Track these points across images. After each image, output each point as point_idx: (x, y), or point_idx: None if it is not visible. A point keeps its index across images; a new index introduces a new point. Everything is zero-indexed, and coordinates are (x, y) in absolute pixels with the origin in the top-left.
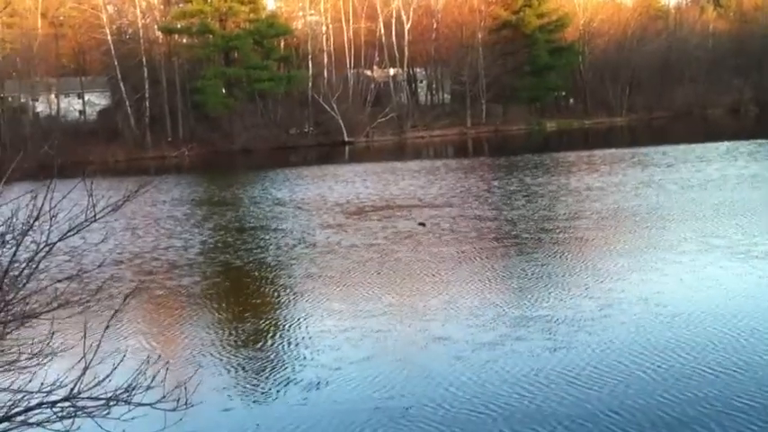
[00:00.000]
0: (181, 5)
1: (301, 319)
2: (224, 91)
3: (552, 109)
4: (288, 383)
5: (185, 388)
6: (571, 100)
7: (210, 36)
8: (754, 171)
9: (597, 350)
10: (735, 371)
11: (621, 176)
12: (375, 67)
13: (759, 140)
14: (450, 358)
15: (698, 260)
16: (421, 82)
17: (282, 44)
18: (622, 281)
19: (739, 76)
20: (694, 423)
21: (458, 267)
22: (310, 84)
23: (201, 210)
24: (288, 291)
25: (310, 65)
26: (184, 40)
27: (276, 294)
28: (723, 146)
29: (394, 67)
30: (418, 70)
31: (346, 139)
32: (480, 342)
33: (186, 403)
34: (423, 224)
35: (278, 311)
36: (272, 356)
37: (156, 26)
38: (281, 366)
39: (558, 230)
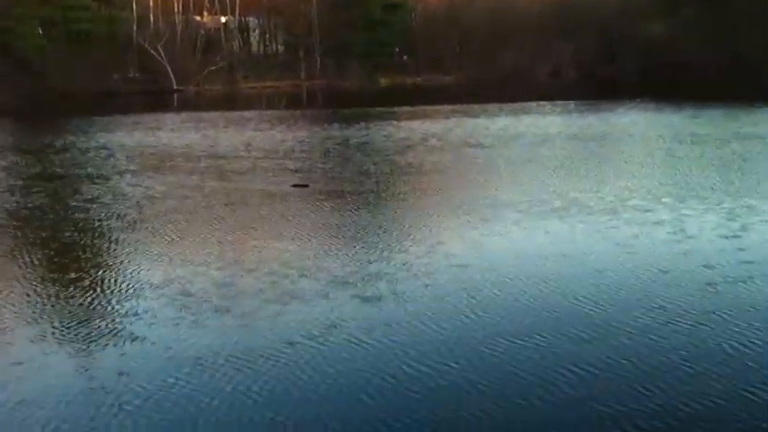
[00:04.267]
0: None
1: (116, 269)
2: (39, 32)
3: (386, 65)
4: (107, 335)
5: None
6: (405, 57)
7: None
8: (548, 129)
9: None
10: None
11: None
12: (205, 14)
13: (568, 101)
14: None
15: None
16: (254, 31)
17: None
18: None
19: (562, 40)
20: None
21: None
22: (135, 27)
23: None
24: (105, 240)
25: (134, 7)
26: None
27: (93, 244)
28: (532, 105)
29: (225, 14)
30: (251, 19)
31: (175, 86)
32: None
33: None
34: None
35: (90, 261)
36: (88, 307)
37: None
38: (99, 316)
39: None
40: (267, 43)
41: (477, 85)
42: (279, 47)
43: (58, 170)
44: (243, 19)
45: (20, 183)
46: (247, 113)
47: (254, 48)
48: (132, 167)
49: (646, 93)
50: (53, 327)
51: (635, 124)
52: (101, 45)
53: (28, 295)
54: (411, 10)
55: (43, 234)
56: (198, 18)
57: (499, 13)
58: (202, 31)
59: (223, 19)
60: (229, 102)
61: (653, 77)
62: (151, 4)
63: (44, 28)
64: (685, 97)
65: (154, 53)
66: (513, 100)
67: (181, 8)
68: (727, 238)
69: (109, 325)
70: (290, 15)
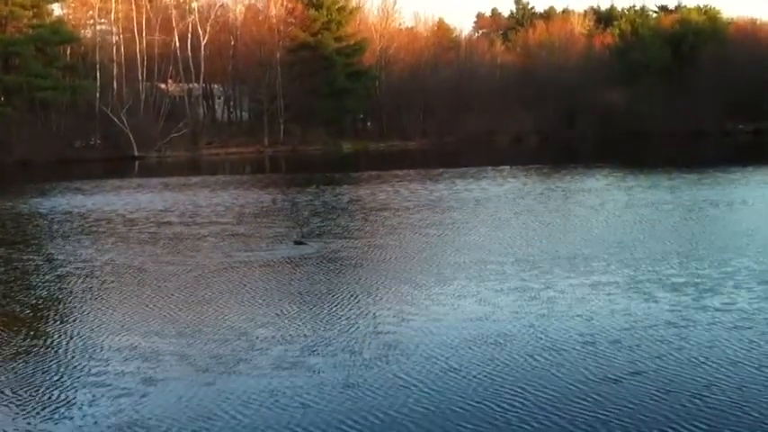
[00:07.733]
0: None
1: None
2: (2, 99)
3: (350, 131)
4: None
5: None
6: (369, 123)
7: None
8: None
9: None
10: None
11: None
12: (170, 81)
13: (533, 166)
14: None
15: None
16: (219, 98)
17: (69, 52)
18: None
19: (523, 107)
20: None
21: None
22: (98, 95)
23: None
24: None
25: (98, 75)
26: None
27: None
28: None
29: (190, 81)
30: (216, 86)
31: (136, 153)
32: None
33: None
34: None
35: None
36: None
37: None
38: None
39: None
40: (231, 110)
41: (440, 151)
42: (243, 113)
43: None
44: (208, 86)
45: None
46: (194, 179)
47: (219, 114)
48: (51, 233)
49: (601, 158)
50: None
51: (557, 189)
52: (63, 113)
53: None
54: (375, 77)
55: None
56: (162, 85)
57: (462, 81)
58: (167, 99)
59: (188, 86)
60: (189, 168)
61: (611, 144)
62: (115, 72)
63: (7, 95)
64: (627, 163)
65: (116, 120)
66: (467, 165)
67: (145, 76)
68: (569, 308)
69: None
70: (255, 83)
